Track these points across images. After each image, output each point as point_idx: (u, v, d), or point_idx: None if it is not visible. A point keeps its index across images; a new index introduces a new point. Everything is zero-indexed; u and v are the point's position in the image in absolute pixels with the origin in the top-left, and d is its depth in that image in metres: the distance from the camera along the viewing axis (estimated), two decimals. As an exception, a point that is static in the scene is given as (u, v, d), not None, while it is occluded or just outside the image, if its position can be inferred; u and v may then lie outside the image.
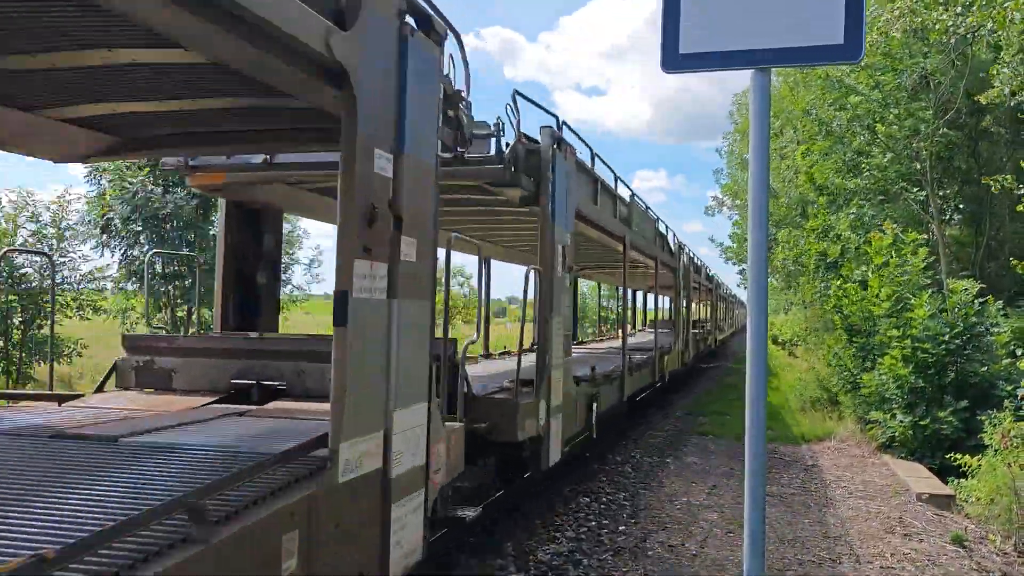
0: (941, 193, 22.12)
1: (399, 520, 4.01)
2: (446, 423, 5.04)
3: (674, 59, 2.83)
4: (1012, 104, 9.96)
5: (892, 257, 14.72)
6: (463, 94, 5.12)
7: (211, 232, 23.52)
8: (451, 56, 4.86)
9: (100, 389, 6.41)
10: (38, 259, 19.97)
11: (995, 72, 10.73)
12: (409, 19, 4.18)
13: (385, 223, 3.91)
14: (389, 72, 3.92)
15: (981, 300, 13.06)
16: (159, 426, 4.57)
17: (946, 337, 12.35)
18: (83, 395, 6.08)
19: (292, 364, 5.94)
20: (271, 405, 5.62)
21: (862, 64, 19.04)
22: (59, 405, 5.67)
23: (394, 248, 3.98)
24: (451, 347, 5.92)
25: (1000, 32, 10.52)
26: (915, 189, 22.07)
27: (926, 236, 20.55)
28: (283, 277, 24.30)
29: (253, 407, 5.55)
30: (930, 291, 13.47)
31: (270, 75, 3.46)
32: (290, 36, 3.03)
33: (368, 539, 3.79)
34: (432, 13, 4.44)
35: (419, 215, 4.30)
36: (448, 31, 4.68)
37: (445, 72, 4.78)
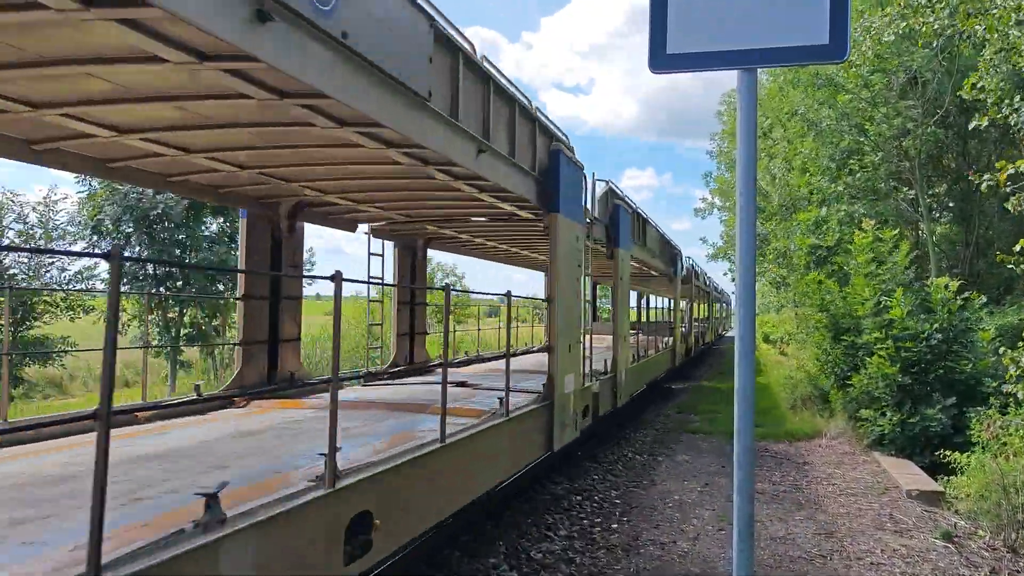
0: (930, 192, 22.22)
1: None
2: None
3: (662, 59, 2.85)
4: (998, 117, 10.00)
5: (872, 254, 14.79)
6: None
7: (204, 233, 23.48)
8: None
9: None
10: (25, 259, 19.89)
11: (977, 81, 10.79)
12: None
13: None
14: None
15: (963, 297, 13.12)
16: None
17: (926, 334, 12.42)
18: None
19: None
20: None
21: (851, 64, 19.15)
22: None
23: None
24: None
25: (985, 37, 10.59)
26: (904, 188, 22.18)
27: (908, 232, 20.68)
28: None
29: None
30: (905, 289, 13.50)
31: None
32: None
33: None
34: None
35: None
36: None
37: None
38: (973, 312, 13.30)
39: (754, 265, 2.76)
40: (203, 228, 23.46)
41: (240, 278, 9.14)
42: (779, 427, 15.16)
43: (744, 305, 2.69)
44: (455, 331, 22.39)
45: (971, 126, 11.36)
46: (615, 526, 8.44)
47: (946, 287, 13.04)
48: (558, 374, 8.91)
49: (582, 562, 7.26)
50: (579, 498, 9.54)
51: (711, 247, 45.61)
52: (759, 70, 2.87)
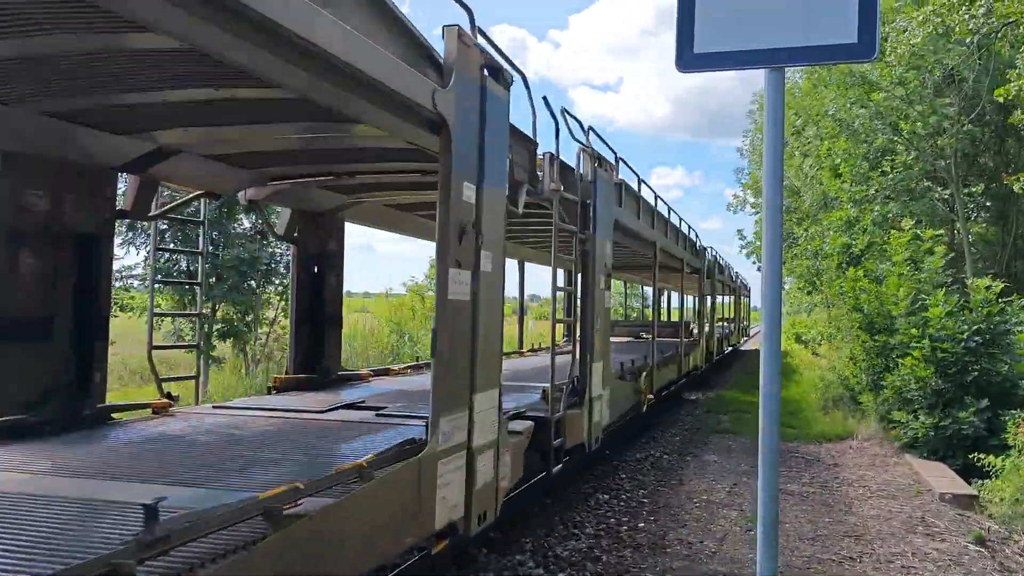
0: (966, 191, 21.84)
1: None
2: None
3: (689, 58, 2.86)
4: None
5: (909, 253, 14.60)
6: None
7: (234, 231, 23.78)
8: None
9: None
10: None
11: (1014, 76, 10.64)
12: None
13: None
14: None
15: (1005, 299, 12.90)
16: None
17: (964, 335, 12.20)
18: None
19: None
20: None
21: (886, 61, 18.88)
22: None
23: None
24: None
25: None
26: (939, 187, 21.83)
27: (945, 233, 20.34)
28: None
29: None
30: (945, 289, 13.29)
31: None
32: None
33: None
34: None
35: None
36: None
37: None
38: (1013, 314, 13.08)
39: (780, 264, 2.76)
40: (235, 226, 23.71)
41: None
42: (810, 428, 15.02)
43: (769, 304, 2.69)
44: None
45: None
46: (642, 525, 8.44)
47: (988, 288, 12.82)
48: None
49: (608, 560, 7.26)
50: (606, 496, 9.54)
51: (742, 241, 45.06)
52: (789, 68, 2.87)
